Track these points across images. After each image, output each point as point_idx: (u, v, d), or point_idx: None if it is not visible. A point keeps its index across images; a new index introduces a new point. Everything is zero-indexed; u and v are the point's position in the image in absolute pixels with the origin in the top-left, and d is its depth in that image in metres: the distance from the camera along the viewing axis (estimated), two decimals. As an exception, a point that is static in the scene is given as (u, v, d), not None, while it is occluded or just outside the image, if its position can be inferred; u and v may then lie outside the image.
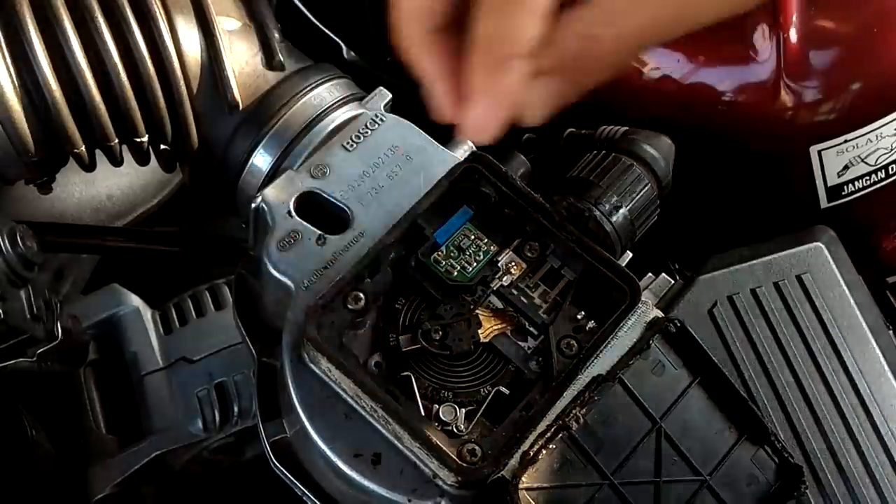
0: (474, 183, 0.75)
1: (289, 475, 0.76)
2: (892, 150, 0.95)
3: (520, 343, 0.72)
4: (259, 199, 0.76)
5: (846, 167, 0.95)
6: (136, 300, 1.11)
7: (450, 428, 0.68)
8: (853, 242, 0.88)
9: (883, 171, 0.97)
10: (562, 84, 0.59)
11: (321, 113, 0.83)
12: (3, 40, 0.74)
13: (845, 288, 0.83)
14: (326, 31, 1.05)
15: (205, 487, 1.09)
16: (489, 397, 0.69)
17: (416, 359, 0.70)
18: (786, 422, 0.78)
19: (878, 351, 0.81)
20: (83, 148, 0.81)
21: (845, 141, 0.93)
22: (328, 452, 0.68)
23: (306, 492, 0.75)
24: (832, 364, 0.80)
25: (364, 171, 0.78)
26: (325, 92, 0.85)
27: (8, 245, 0.72)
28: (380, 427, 0.67)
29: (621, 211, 0.77)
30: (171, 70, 0.79)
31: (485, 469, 0.65)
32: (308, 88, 0.84)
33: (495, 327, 0.72)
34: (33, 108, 0.76)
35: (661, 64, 0.93)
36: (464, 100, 0.57)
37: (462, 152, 0.81)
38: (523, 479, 0.65)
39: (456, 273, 0.72)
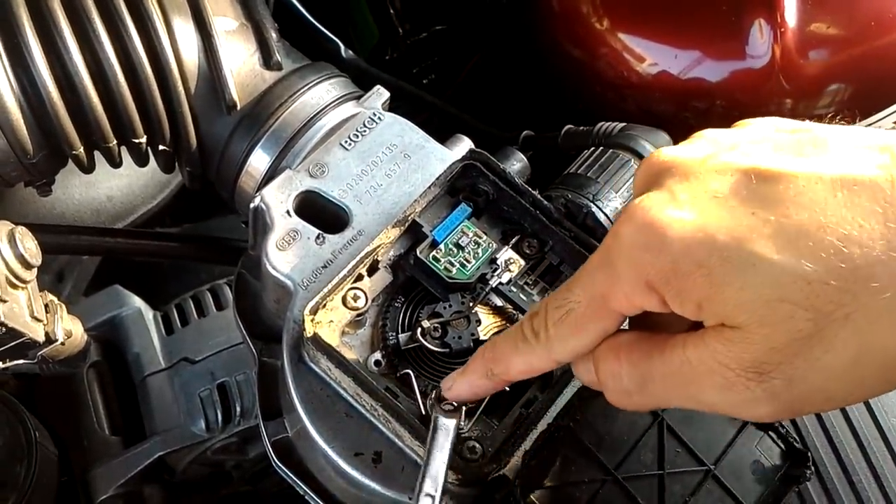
0: (472, 180, 0.75)
1: (290, 474, 0.76)
2: (891, 143, 0.95)
3: (519, 340, 0.72)
4: (258, 199, 0.76)
5: (846, 161, 0.95)
6: (137, 301, 1.11)
7: (450, 426, 0.68)
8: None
9: (883, 164, 0.96)
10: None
11: (319, 112, 0.83)
12: (0, 43, 0.74)
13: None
14: (324, 30, 1.05)
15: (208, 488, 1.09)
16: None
17: (415, 357, 0.70)
18: (787, 416, 0.77)
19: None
20: (81, 149, 0.81)
21: (844, 134, 0.92)
22: (329, 451, 0.68)
23: (308, 491, 0.75)
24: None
25: (362, 170, 0.78)
26: (323, 91, 0.85)
27: (7, 247, 0.71)
28: (380, 425, 0.67)
29: (619, 206, 0.77)
30: (169, 70, 0.79)
31: (485, 467, 0.65)
32: (305, 88, 0.84)
33: (495, 325, 0.72)
34: (31, 109, 0.76)
35: (659, 59, 0.93)
36: None
37: (460, 150, 0.81)
38: (525, 476, 0.65)
39: (455, 271, 0.72)
